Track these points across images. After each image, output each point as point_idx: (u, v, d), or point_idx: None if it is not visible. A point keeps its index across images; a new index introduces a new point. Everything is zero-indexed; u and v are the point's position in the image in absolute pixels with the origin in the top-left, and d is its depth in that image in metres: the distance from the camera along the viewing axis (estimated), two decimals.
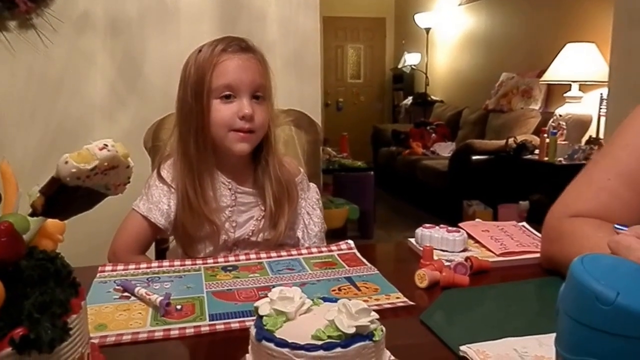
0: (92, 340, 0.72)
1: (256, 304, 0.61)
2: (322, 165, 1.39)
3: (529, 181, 3.95)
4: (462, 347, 0.68)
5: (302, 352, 0.53)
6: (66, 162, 0.55)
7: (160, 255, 1.35)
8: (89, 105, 2.18)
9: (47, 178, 0.59)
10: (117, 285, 0.93)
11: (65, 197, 0.58)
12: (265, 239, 1.26)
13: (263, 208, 1.26)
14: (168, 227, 1.21)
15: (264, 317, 0.59)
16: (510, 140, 4.15)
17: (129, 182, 0.66)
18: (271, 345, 0.54)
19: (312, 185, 1.39)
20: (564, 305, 0.49)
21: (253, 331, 0.58)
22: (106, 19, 2.17)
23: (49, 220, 0.58)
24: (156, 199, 1.21)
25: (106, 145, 0.59)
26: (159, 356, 0.72)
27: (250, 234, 1.25)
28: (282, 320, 0.59)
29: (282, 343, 0.54)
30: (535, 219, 1.19)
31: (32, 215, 0.56)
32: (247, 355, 0.59)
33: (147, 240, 1.24)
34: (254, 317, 0.60)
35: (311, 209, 1.34)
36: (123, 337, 0.74)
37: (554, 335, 0.70)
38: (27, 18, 2.07)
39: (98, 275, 0.98)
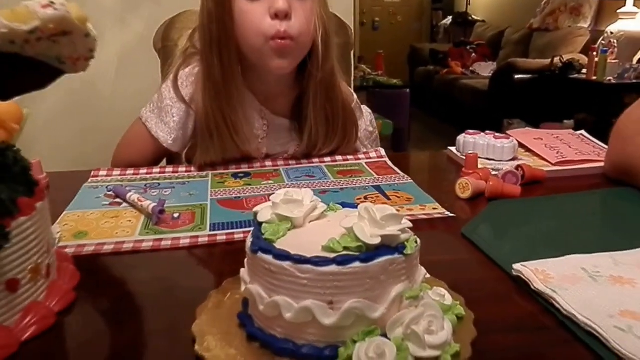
0: (67, 250, 0.60)
1: (255, 208, 0.47)
2: (357, 82, 1.15)
3: (574, 101, 3.74)
4: (516, 266, 0.54)
5: (308, 266, 0.39)
6: None
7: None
8: (96, 6, 1.92)
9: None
10: (109, 191, 0.80)
11: (1, 68, 0.45)
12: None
13: (299, 144, 1.02)
14: (182, 150, 1.00)
15: (264, 224, 0.45)
16: (556, 59, 3.92)
17: (92, 57, 0.53)
18: (269, 257, 0.41)
19: (365, 108, 1.11)
20: None
21: (249, 241, 0.44)
22: None
23: None
24: (169, 118, 0.97)
25: (52, 3, 0.46)
26: (142, 269, 0.58)
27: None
28: (285, 227, 0.45)
29: (283, 255, 0.40)
30: None
31: None
32: (242, 269, 0.46)
33: (155, 159, 1.02)
34: None
35: (367, 143, 1.09)
36: (104, 247, 0.61)
37: (633, 252, 0.56)
38: None
39: (90, 180, 0.86)
